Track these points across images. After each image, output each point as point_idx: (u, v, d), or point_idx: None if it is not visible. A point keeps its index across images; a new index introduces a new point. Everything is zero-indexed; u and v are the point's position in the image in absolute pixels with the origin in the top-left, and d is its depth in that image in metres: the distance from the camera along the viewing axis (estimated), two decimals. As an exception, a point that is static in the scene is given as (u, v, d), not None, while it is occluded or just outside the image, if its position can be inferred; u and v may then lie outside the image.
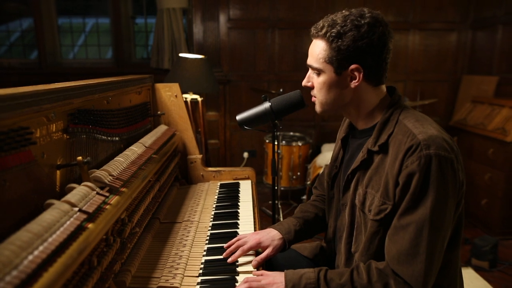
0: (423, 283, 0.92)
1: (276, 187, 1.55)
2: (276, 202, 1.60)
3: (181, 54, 3.14)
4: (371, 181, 1.04)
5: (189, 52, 4.16)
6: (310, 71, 1.12)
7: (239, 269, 1.13)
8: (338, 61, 1.02)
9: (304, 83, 1.14)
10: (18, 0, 4.49)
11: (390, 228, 0.99)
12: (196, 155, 1.94)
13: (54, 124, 0.93)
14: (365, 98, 1.08)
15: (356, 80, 1.04)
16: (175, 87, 1.89)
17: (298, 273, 1.03)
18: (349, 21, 1.00)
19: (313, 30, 1.08)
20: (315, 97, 1.12)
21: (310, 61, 1.09)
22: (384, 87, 1.11)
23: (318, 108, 1.13)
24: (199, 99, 3.15)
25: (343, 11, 1.04)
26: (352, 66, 1.02)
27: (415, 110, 1.09)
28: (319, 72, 1.07)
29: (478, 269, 2.62)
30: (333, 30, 1.01)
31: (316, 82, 1.09)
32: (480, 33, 3.96)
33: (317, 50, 1.06)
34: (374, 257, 1.02)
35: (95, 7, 4.72)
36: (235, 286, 1.04)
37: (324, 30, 1.03)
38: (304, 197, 3.28)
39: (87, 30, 4.80)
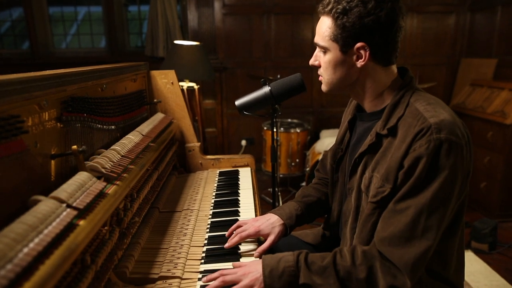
0: (411, 268, 0.89)
1: (276, 174, 1.52)
2: (276, 189, 1.58)
3: (176, 41, 3.08)
4: (378, 164, 1.00)
5: (184, 39, 4.09)
6: (317, 49, 1.08)
7: (241, 258, 1.11)
8: (343, 38, 0.98)
9: (311, 62, 1.10)
10: (7, -11, 4.38)
11: (385, 211, 0.95)
12: (194, 143, 1.91)
13: (46, 113, 0.89)
14: (374, 79, 1.04)
15: (363, 59, 1.00)
16: (171, 74, 1.85)
17: (276, 257, 0.99)
18: None
19: (320, 7, 1.04)
20: (321, 76, 1.09)
21: (317, 39, 1.05)
22: (394, 68, 1.06)
23: (324, 87, 1.09)
24: (196, 86, 3.10)
25: None
26: (358, 44, 0.98)
27: (427, 93, 1.04)
28: (325, 50, 1.04)
29: (477, 252, 2.63)
30: (339, 6, 0.97)
31: (322, 60, 1.06)
32: (478, 15, 3.91)
33: (323, 27, 1.02)
34: (366, 241, 0.99)
35: (86, -5, 4.61)
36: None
37: (330, 6, 0.99)
38: (303, 183, 3.27)
39: (79, 19, 4.70)
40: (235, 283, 0.95)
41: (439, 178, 0.89)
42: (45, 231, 0.64)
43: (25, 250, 0.58)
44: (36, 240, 0.61)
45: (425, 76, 4.11)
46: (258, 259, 1.03)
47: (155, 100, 1.80)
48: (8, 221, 0.62)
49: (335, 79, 1.05)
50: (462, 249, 1.08)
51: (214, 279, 0.97)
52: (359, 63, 1.01)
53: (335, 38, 1.00)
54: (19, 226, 0.61)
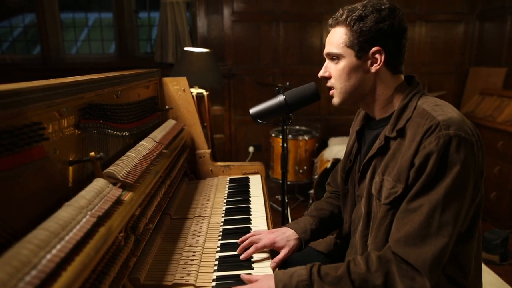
0: (429, 267, 0.88)
1: (285, 183, 1.52)
2: (285, 197, 1.58)
3: (186, 48, 3.11)
4: (387, 167, 1.00)
5: (193, 46, 4.12)
6: (327, 61, 1.10)
7: (254, 265, 1.11)
8: (359, 43, 1.01)
9: (321, 74, 1.11)
10: (20, -5, 4.46)
11: (398, 212, 0.95)
12: (204, 150, 1.92)
13: (65, 119, 0.91)
14: (384, 86, 1.06)
15: (377, 64, 1.02)
16: (182, 81, 1.87)
17: (288, 272, 0.99)
18: (370, 6, 1.01)
19: (331, 21, 1.07)
20: (333, 87, 1.09)
21: (329, 48, 1.07)
22: (402, 76, 1.09)
23: (336, 99, 1.10)
24: (205, 93, 3.12)
25: (361, 2, 1.05)
26: (374, 49, 1.01)
27: (435, 97, 1.06)
28: (338, 58, 1.05)
29: (488, 263, 2.60)
30: (354, 14, 1.01)
31: (334, 70, 1.07)
32: (488, 24, 3.90)
33: (337, 36, 1.04)
34: (381, 246, 0.98)
35: (97, 1, 4.67)
36: (251, 282, 1.02)
37: (344, 16, 1.02)
38: (311, 191, 3.25)
39: (89, 25, 4.76)
40: None
41: (451, 173, 0.89)
42: (67, 238, 0.65)
43: (48, 256, 0.59)
44: (59, 246, 0.62)
45: (434, 85, 4.09)
46: (270, 273, 1.03)
47: (167, 107, 1.81)
48: (30, 226, 0.63)
49: (349, 87, 1.06)
50: (479, 257, 1.07)
51: None
52: (374, 68, 1.03)
53: (350, 44, 1.02)
54: (42, 233, 0.62)
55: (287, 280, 0.96)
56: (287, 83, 3.03)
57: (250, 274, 1.05)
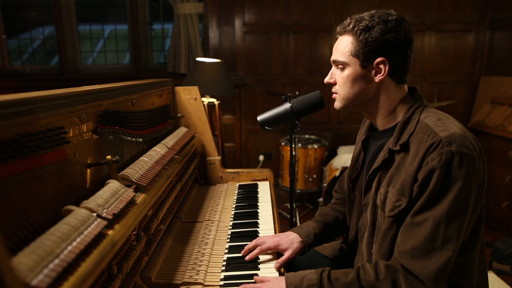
0: (434, 280, 0.91)
1: (293, 190, 1.57)
2: (294, 204, 1.61)
3: (198, 59, 3.20)
4: (392, 180, 1.04)
5: (205, 56, 4.22)
6: (333, 68, 1.13)
7: (260, 266, 1.15)
8: (364, 53, 1.04)
9: (326, 79, 1.15)
10: (40, 9, 4.64)
11: (403, 225, 0.98)
12: (215, 157, 1.97)
13: (85, 125, 0.97)
14: (388, 95, 1.09)
15: (381, 74, 1.05)
16: (194, 90, 1.93)
17: (299, 275, 1.02)
18: (377, 17, 1.04)
19: (339, 28, 1.10)
20: (336, 93, 1.13)
21: (336, 56, 1.11)
22: (406, 87, 1.12)
23: (338, 104, 1.14)
24: (216, 102, 3.19)
25: (369, 12, 1.08)
26: (378, 59, 1.04)
27: (437, 109, 1.09)
28: (343, 66, 1.09)
29: (500, 273, 2.57)
30: (361, 24, 1.04)
31: (339, 77, 1.11)
32: (498, 33, 3.90)
33: (343, 44, 1.08)
34: (385, 255, 1.02)
35: (113, 14, 4.83)
36: (257, 282, 1.06)
37: (351, 25, 1.06)
38: (321, 199, 3.28)
39: (105, 36, 4.92)
40: None
41: (454, 189, 0.92)
42: (86, 232, 0.71)
43: (69, 248, 0.64)
44: (78, 239, 0.68)
45: (444, 94, 4.10)
46: (280, 276, 1.06)
47: (178, 115, 1.88)
48: (52, 222, 0.69)
49: (352, 94, 1.10)
50: (484, 264, 1.09)
51: None
52: (378, 78, 1.06)
53: (356, 53, 1.06)
54: (64, 227, 0.67)
55: (297, 283, 1.00)
56: (297, 92, 3.08)
57: (257, 274, 1.10)
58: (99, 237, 0.74)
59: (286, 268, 1.19)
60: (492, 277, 2.53)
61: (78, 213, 0.74)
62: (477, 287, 1.06)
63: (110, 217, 0.80)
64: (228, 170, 1.98)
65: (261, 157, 4.21)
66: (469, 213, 0.95)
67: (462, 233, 0.96)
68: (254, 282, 1.05)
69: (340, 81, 1.11)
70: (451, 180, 0.92)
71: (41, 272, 0.56)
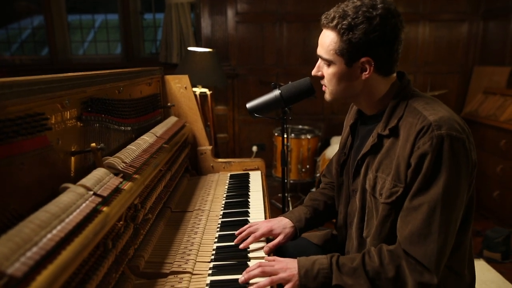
0: (435, 263, 0.92)
1: (286, 180, 1.55)
2: (286, 194, 1.61)
3: (189, 48, 3.16)
4: (381, 165, 1.04)
5: (197, 46, 4.18)
6: (320, 60, 1.11)
7: (250, 255, 1.14)
8: (349, 53, 1.01)
9: (314, 72, 1.13)
10: (29, -2, 4.55)
11: (401, 210, 0.99)
12: (206, 147, 1.95)
13: (68, 112, 0.95)
14: (376, 88, 1.08)
15: (367, 72, 1.03)
16: (184, 79, 1.91)
17: (310, 259, 1.03)
18: (361, 13, 0.97)
19: (323, 20, 1.05)
20: (325, 86, 1.12)
21: (320, 51, 1.08)
22: (394, 75, 1.10)
23: (328, 97, 1.13)
24: (208, 92, 3.16)
25: (355, 0, 1.01)
26: (363, 59, 1.01)
27: (424, 94, 1.08)
28: (329, 63, 1.07)
29: (490, 261, 2.60)
30: (344, 22, 0.99)
31: (326, 72, 1.09)
32: (492, 23, 3.89)
33: (328, 41, 1.04)
34: (386, 241, 1.03)
35: (104, 3, 4.75)
36: (246, 271, 1.05)
37: (335, 22, 1.01)
38: (314, 189, 3.28)
39: (96, 26, 4.84)
40: (273, 274, 1.00)
41: (446, 172, 0.92)
42: (67, 220, 0.69)
43: (49, 235, 0.63)
44: (59, 227, 0.66)
45: (437, 84, 4.09)
46: (294, 259, 1.06)
47: (168, 104, 1.85)
48: (33, 210, 0.67)
49: (339, 90, 1.09)
50: (471, 247, 1.11)
51: (253, 269, 1.01)
52: (364, 76, 1.04)
53: (340, 53, 1.02)
54: (43, 214, 0.65)
55: (309, 267, 1.01)
56: (290, 82, 3.06)
57: (247, 263, 1.09)
58: (82, 225, 0.72)
59: (274, 254, 1.18)
60: (482, 264, 2.56)
61: (59, 201, 0.72)
62: (468, 269, 1.08)
63: (93, 205, 0.78)
64: (220, 160, 1.96)
65: (254, 148, 4.19)
66: (463, 195, 0.96)
67: (459, 215, 0.97)
68: (251, 281, 1.04)
69: (326, 77, 1.09)
70: (443, 163, 0.92)
71: (18, 260, 0.55)
